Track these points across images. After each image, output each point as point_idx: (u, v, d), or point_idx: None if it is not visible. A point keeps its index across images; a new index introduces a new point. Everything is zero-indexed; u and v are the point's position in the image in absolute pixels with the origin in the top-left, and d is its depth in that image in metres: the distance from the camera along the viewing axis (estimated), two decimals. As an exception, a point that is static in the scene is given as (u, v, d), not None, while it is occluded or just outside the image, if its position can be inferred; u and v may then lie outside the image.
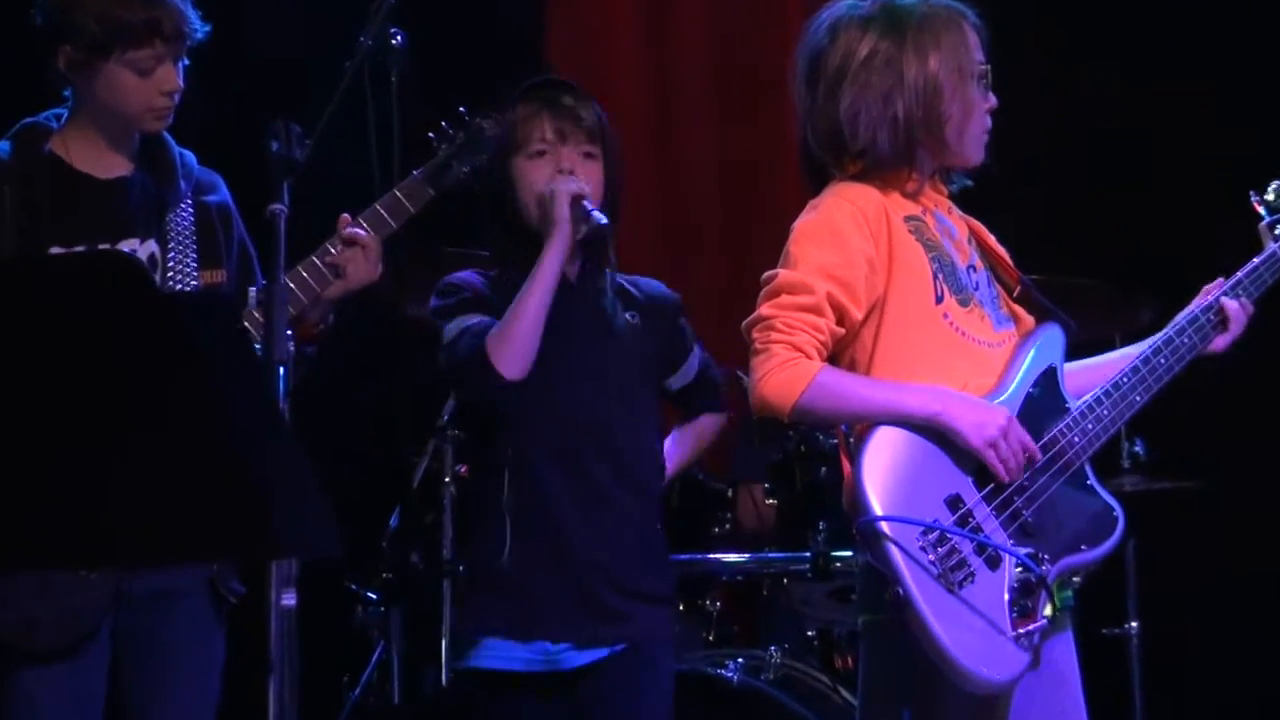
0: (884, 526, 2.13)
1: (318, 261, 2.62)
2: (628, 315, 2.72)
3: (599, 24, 4.60)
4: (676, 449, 2.90)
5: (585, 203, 2.61)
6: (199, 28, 2.68)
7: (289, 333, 2.21)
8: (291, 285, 2.55)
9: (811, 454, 3.37)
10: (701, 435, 2.93)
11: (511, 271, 2.72)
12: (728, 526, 3.62)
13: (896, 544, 2.12)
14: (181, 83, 2.67)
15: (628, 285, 2.79)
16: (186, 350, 1.73)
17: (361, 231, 2.62)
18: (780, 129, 4.09)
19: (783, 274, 2.26)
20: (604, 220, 2.62)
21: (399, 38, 2.81)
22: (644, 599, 2.69)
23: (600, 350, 2.69)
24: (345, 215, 2.64)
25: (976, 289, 2.35)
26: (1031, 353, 2.33)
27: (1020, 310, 2.42)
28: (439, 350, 2.70)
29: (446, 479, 3.32)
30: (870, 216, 2.26)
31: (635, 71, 4.54)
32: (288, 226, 2.26)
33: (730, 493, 3.64)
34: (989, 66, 2.35)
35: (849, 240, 2.25)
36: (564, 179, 2.64)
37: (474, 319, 2.66)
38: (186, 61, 2.69)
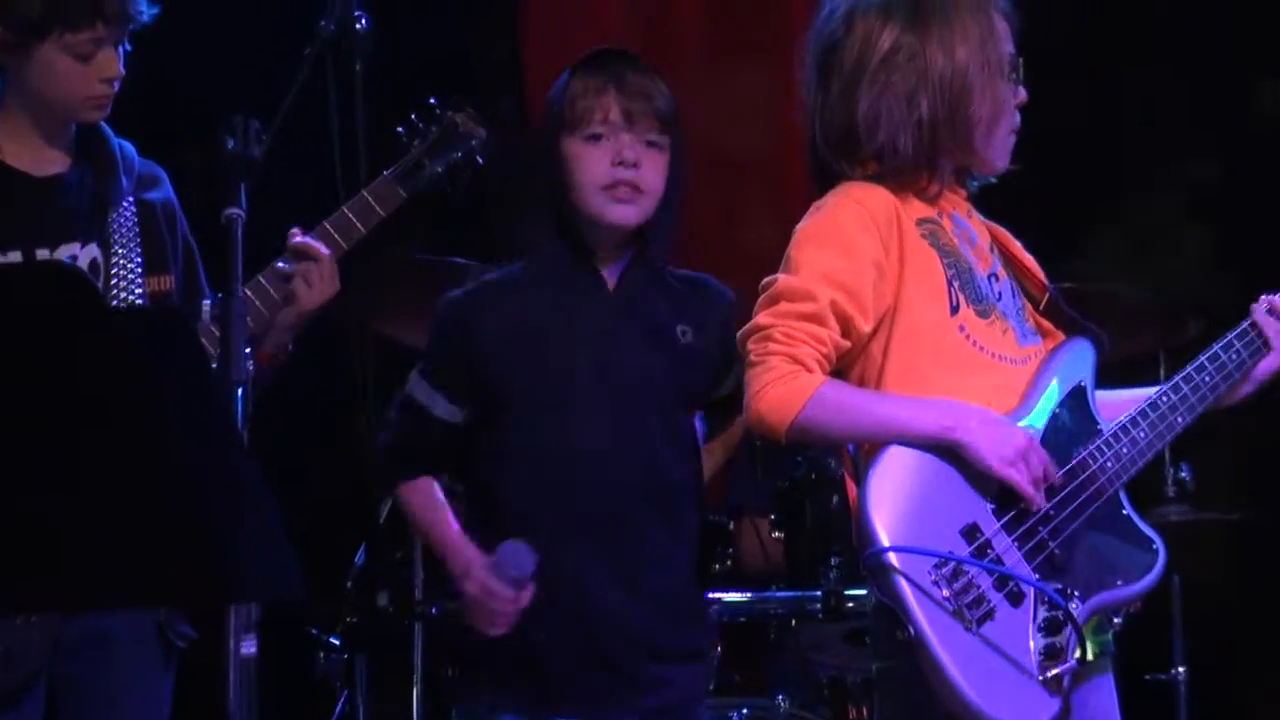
0: (892, 558, 2.20)
1: (268, 279, 2.69)
2: (680, 330, 2.73)
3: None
4: (709, 458, 2.92)
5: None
6: (145, 10, 2.72)
7: (248, 350, 2.28)
8: (251, 297, 2.62)
9: (822, 481, 3.40)
10: (737, 440, 2.99)
11: (537, 268, 2.73)
12: (729, 563, 3.64)
13: (906, 578, 2.19)
14: (123, 70, 2.72)
15: (679, 287, 2.78)
16: (137, 371, 1.80)
17: (313, 242, 2.69)
18: (782, 116, 4.16)
19: (782, 279, 2.34)
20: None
21: (364, 21, 2.90)
22: (682, 657, 2.70)
23: (649, 373, 2.69)
24: (295, 229, 2.72)
25: (999, 299, 2.42)
26: (1058, 369, 2.41)
27: (1048, 324, 2.49)
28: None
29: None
30: (880, 219, 2.34)
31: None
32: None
33: (731, 525, 3.68)
34: (1020, 57, 2.43)
35: (856, 244, 2.33)
36: (488, 614, 2.57)
37: (415, 389, 2.72)
38: (129, 47, 2.73)
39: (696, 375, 2.73)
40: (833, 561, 3.33)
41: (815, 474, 3.42)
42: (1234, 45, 4.43)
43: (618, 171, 2.63)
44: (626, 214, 2.65)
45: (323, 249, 2.69)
